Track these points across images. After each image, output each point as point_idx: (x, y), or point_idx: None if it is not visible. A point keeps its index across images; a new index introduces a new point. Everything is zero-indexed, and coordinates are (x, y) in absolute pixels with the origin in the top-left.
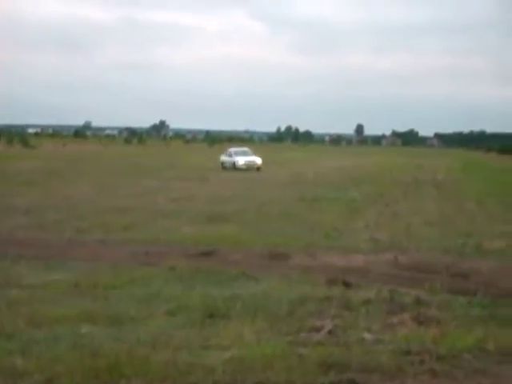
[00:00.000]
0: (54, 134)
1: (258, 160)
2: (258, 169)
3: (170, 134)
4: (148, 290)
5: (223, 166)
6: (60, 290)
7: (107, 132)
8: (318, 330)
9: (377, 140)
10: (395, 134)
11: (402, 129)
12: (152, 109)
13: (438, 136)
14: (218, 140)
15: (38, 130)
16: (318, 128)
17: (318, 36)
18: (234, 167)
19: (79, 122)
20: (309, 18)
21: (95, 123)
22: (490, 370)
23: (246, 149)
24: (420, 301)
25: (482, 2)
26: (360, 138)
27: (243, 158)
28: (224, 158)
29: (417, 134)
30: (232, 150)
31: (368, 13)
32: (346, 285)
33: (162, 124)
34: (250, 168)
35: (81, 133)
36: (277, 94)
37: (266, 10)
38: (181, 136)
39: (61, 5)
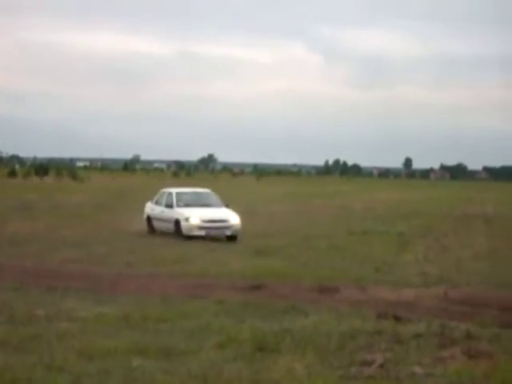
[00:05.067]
0: (103, 167)
1: (233, 218)
2: (233, 238)
3: (218, 167)
4: (198, 322)
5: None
6: (110, 322)
7: (156, 165)
8: (369, 364)
9: (425, 174)
10: (444, 168)
11: (450, 162)
12: (201, 142)
13: (486, 169)
14: (266, 173)
15: (87, 163)
16: (365, 161)
17: (374, 69)
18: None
19: (128, 155)
20: (365, 51)
21: (144, 156)
22: None
23: (205, 191)
24: (470, 335)
25: None
26: (408, 171)
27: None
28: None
29: (465, 167)
30: (174, 191)
31: (425, 46)
32: (397, 319)
33: (210, 157)
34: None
35: (129, 166)
36: (327, 128)
37: (322, 43)
38: (228, 169)
39: (114, 39)
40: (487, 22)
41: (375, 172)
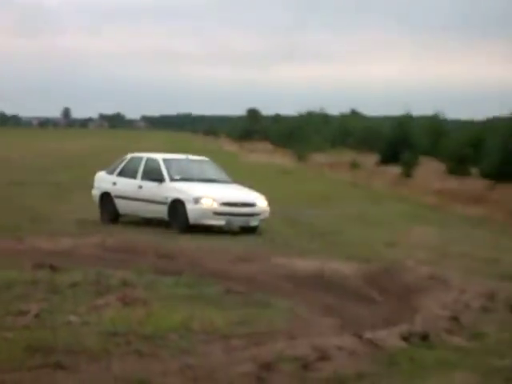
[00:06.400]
0: None
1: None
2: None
3: None
4: None
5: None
6: None
7: None
8: (24, 313)
9: (84, 123)
10: (102, 117)
11: (109, 112)
12: None
13: (145, 118)
14: None
15: None
16: (25, 111)
17: (34, 17)
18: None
19: None
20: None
21: None
22: (195, 350)
23: (202, 158)
24: (126, 282)
25: None
26: (67, 121)
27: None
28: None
29: (123, 116)
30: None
31: None
32: (53, 268)
33: None
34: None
35: None
36: None
37: None
38: None
39: None
40: None
41: (35, 122)
